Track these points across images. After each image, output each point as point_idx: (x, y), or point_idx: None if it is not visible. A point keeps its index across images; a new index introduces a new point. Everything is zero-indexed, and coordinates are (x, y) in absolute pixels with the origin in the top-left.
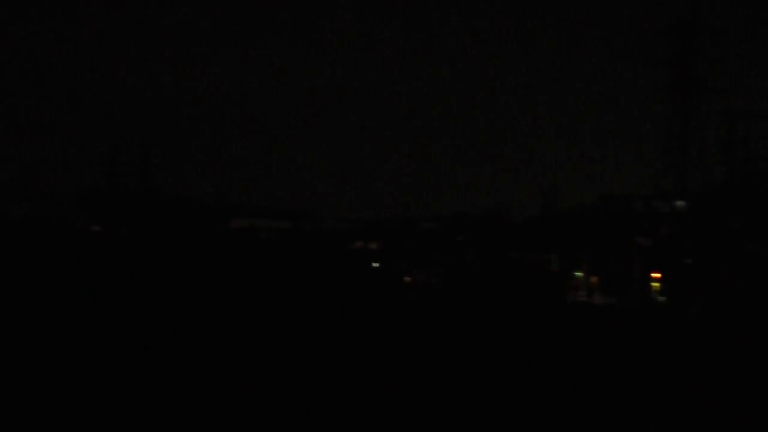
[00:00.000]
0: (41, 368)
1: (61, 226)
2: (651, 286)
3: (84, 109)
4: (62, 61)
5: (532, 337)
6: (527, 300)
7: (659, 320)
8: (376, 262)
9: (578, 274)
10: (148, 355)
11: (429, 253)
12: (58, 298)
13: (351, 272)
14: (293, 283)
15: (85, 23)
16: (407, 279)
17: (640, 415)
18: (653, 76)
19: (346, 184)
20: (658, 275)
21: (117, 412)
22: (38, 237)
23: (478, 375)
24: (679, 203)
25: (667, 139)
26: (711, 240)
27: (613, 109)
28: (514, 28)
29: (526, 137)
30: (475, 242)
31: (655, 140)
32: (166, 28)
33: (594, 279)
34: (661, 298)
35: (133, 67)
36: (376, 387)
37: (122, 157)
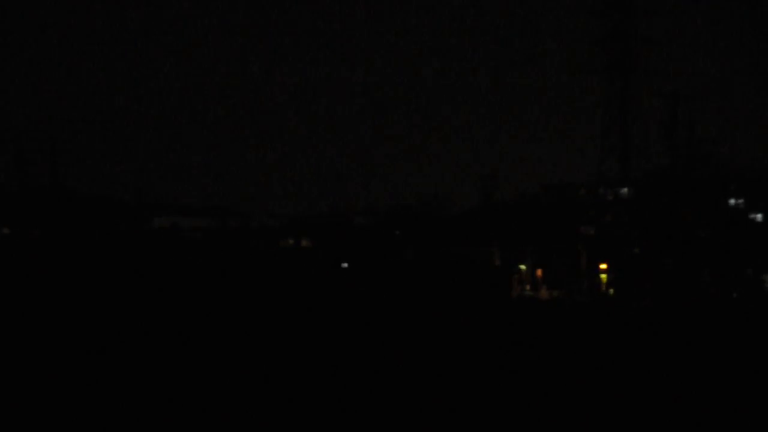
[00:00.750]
0: None
1: None
2: (599, 278)
3: None
4: None
5: (473, 336)
6: (470, 296)
7: (607, 315)
8: (343, 262)
9: (522, 267)
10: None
11: (366, 249)
12: None
13: (322, 276)
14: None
15: None
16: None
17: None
18: (592, 57)
19: (273, 178)
20: (605, 266)
21: None
22: None
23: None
24: (624, 190)
25: (607, 122)
26: (659, 228)
27: (552, 93)
28: (448, 11)
29: (463, 124)
30: (414, 236)
31: (596, 125)
32: (77, 20)
33: (539, 272)
34: (610, 291)
35: (41, 60)
36: None
37: (31, 155)
